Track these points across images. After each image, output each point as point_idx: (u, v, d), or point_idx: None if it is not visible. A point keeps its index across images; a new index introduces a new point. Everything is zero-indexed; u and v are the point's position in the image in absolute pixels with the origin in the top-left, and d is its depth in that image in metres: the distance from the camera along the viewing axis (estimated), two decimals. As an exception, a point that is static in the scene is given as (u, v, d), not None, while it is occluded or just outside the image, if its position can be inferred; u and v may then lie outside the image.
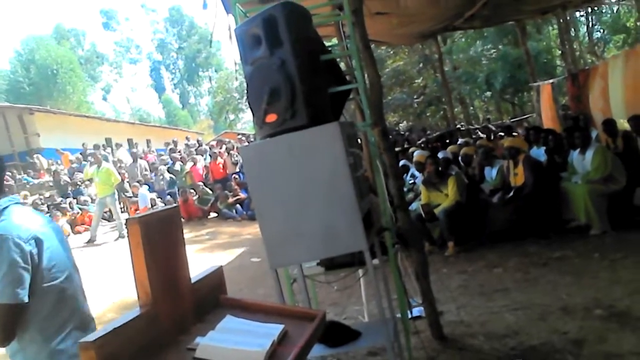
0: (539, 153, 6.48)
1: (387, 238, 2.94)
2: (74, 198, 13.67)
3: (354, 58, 3.09)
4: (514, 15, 9.57)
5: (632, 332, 2.98)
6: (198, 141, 17.74)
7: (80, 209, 12.81)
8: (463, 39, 19.47)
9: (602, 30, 22.06)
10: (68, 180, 14.96)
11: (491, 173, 6.36)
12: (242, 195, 11.63)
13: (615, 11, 20.56)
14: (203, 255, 8.02)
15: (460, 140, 9.11)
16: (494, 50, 18.76)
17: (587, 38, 21.26)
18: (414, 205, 6.16)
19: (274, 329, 1.42)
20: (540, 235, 5.40)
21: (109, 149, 18.56)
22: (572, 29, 14.97)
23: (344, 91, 2.85)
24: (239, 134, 22.23)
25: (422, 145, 10.06)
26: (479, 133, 12.45)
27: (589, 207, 5.20)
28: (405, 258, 3.59)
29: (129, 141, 23.49)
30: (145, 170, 14.62)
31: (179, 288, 1.45)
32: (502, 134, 10.92)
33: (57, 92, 36.35)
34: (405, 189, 5.56)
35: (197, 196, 12.07)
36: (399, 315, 3.14)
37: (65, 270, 1.95)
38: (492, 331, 3.40)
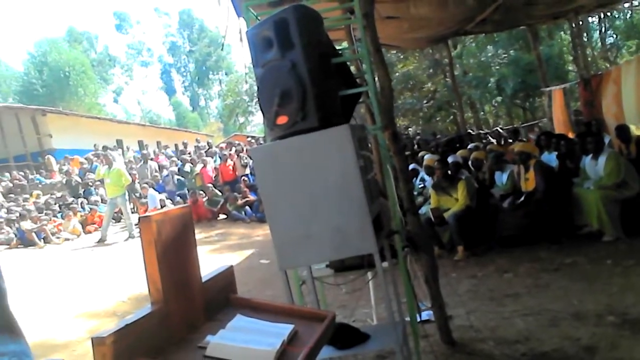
0: (551, 158, 6.43)
1: (397, 241, 2.94)
2: (84, 198, 13.81)
3: (364, 61, 3.10)
4: (526, 19, 9.52)
5: (645, 339, 2.95)
6: (208, 143, 17.84)
7: (90, 209, 12.94)
8: (474, 44, 19.40)
9: (615, 36, 21.88)
10: (79, 180, 15.11)
11: (502, 178, 6.32)
12: (251, 197, 11.67)
13: (628, 16, 20.38)
14: (213, 256, 8.05)
15: (470, 145, 9.07)
16: (505, 55, 18.68)
17: (599, 43, 21.11)
18: (424, 209, 6.13)
19: (284, 329, 1.42)
20: (551, 241, 5.35)
21: (119, 150, 18.72)
22: (585, 34, 14.89)
23: (355, 94, 2.85)
24: (248, 137, 22.34)
25: (432, 149, 10.03)
26: (489, 138, 12.39)
27: (601, 213, 5.15)
28: (415, 261, 3.57)
29: (140, 143, 23.69)
30: (156, 171, 14.73)
31: (190, 286, 1.46)
32: (510, 140, 10.85)
33: (70, 94, 36.79)
34: (414, 193, 5.56)
35: (207, 198, 12.13)
36: (407, 318, 3.13)
37: None
38: (502, 336, 3.37)
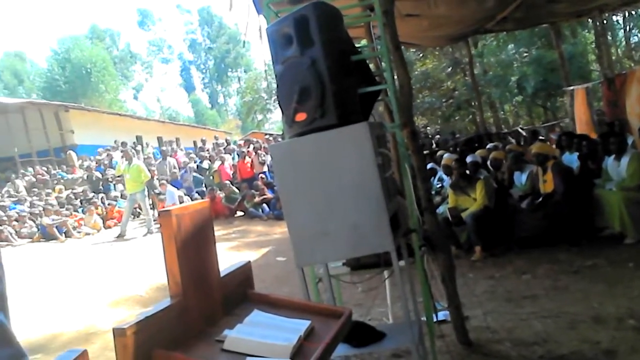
0: (572, 159, 6.33)
1: (414, 240, 2.93)
2: (104, 194, 14.04)
3: (384, 59, 3.09)
4: (548, 17, 9.36)
5: (667, 344, 2.89)
6: (226, 140, 17.96)
7: (109, 204, 13.16)
8: (494, 42, 19.15)
9: (640, 35, 21.41)
10: (100, 176, 15.36)
11: (521, 178, 6.24)
12: (269, 194, 11.71)
13: (654, 15, 19.90)
14: (230, 252, 8.11)
15: (489, 145, 8.97)
16: (527, 54, 18.40)
17: (624, 42, 20.67)
18: (441, 209, 6.09)
19: (301, 325, 1.43)
20: (571, 243, 5.27)
21: (139, 147, 18.97)
22: (609, 33, 14.58)
23: (373, 92, 2.85)
24: (266, 134, 22.44)
25: (451, 148, 9.95)
26: (509, 138, 12.23)
27: (623, 215, 5.05)
28: (432, 261, 3.56)
29: (159, 139, 23.96)
30: (174, 168, 14.90)
31: (209, 281, 1.47)
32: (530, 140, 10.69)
33: (91, 90, 37.44)
34: (432, 192, 5.51)
35: (225, 195, 12.22)
36: (424, 318, 3.12)
37: None
38: (519, 338, 3.33)
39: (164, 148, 17.37)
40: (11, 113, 19.39)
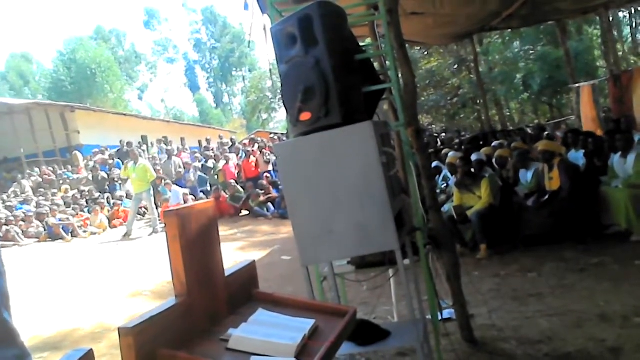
0: (578, 156, 6.30)
1: (419, 238, 2.92)
2: (109, 193, 14.10)
3: (388, 58, 3.08)
4: (554, 14, 9.32)
5: (674, 342, 2.87)
6: (231, 140, 17.98)
7: (114, 204, 13.21)
8: (500, 39, 19.08)
9: (646, 31, 21.25)
10: (105, 176, 15.42)
11: (526, 176, 6.21)
12: (274, 193, 11.72)
13: (660, 11, 19.76)
14: (235, 251, 8.13)
15: (494, 142, 8.94)
16: (532, 51, 18.31)
17: (630, 39, 20.53)
18: (446, 207, 6.08)
19: (305, 324, 1.44)
20: (577, 241, 5.24)
21: (144, 147, 19.02)
22: (615, 30, 14.48)
23: (378, 91, 2.84)
24: (271, 133, 22.45)
25: (456, 146, 9.91)
26: (515, 135, 12.16)
27: (630, 212, 5.02)
28: (437, 259, 3.55)
29: (164, 139, 23.99)
30: (180, 167, 14.93)
31: (213, 280, 1.48)
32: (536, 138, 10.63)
33: (96, 90, 37.62)
34: (437, 191, 5.51)
35: (229, 194, 12.23)
36: (429, 316, 3.11)
37: None
38: (525, 336, 3.33)
39: (168, 147, 17.40)
40: (17, 114, 19.49)
